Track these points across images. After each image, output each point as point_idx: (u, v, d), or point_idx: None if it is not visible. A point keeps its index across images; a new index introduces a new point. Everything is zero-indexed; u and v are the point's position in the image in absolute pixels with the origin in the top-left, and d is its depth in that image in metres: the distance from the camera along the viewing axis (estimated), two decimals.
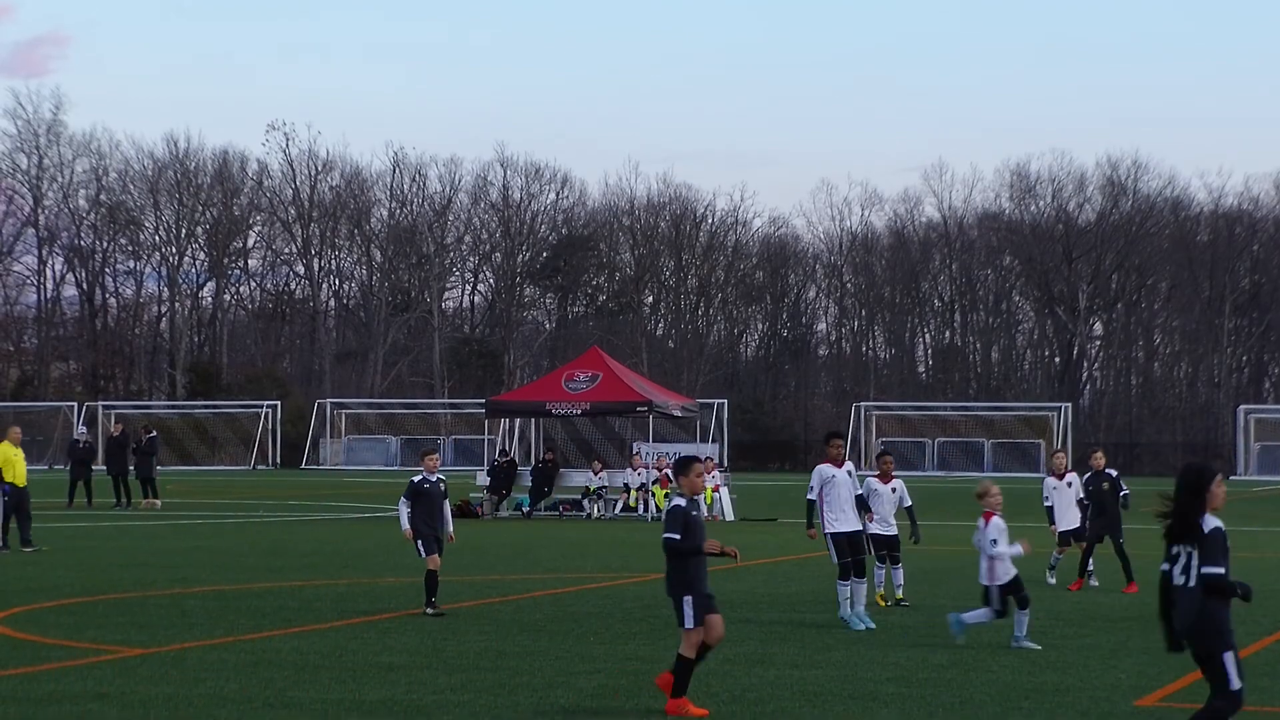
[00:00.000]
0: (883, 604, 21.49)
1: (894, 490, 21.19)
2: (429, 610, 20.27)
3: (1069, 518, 25.49)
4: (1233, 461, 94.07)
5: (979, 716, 13.71)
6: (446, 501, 21.02)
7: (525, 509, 45.72)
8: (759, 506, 49.74)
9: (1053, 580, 25.37)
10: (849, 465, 20.34)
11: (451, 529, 21.18)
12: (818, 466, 20.41)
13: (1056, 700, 14.45)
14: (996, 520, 17.85)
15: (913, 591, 23.96)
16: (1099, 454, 25.82)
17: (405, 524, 20.80)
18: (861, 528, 20.40)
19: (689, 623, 13.63)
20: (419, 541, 20.62)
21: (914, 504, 21.63)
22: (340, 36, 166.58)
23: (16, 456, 32.23)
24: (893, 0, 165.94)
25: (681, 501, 13.73)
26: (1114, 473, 25.55)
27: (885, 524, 21.24)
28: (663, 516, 13.87)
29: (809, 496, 20.25)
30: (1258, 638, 19.03)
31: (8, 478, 31.88)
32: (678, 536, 13.59)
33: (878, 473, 21.35)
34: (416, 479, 20.88)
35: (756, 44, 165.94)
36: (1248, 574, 27.60)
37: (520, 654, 16.97)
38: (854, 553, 19.84)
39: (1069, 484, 25.63)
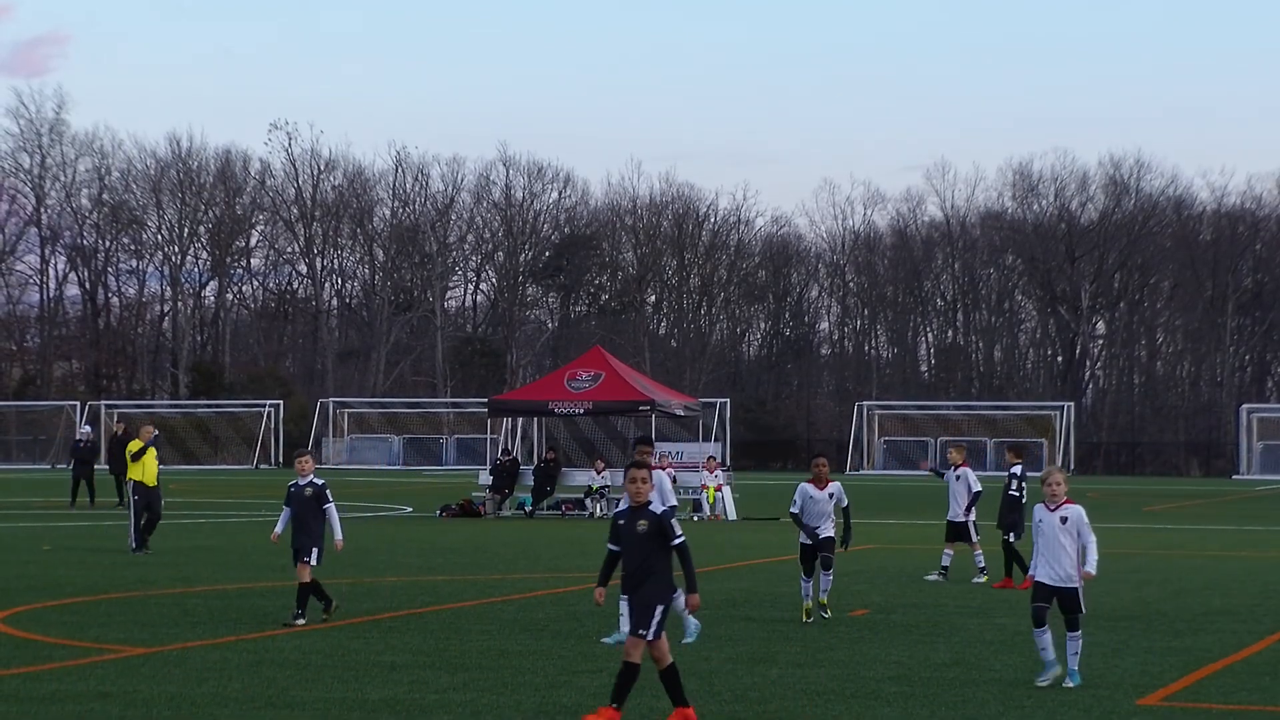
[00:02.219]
0: (807, 618, 19.94)
1: (830, 495, 20.48)
2: (295, 619, 19.13)
3: (951, 510, 26.00)
4: (1235, 461, 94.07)
5: (980, 715, 13.70)
6: (331, 506, 19.56)
7: (527, 508, 45.73)
8: (761, 506, 49.73)
9: (935, 577, 25.44)
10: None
11: (340, 535, 19.60)
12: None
13: (1058, 699, 14.43)
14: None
15: (916, 590, 23.96)
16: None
17: (277, 528, 19.90)
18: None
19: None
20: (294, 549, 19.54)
21: (850, 504, 21.07)
22: (342, 36, 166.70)
23: (149, 456, 31.65)
24: (895, 0, 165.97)
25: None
26: (1017, 471, 25.84)
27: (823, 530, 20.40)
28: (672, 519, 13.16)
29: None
30: (1259, 636, 19.00)
31: (133, 475, 31.11)
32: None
33: (811, 478, 20.55)
34: (291, 483, 19.81)
35: (759, 43, 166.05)
36: (1251, 573, 27.67)
37: (523, 653, 16.97)
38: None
39: (958, 477, 25.96)
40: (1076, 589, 15.16)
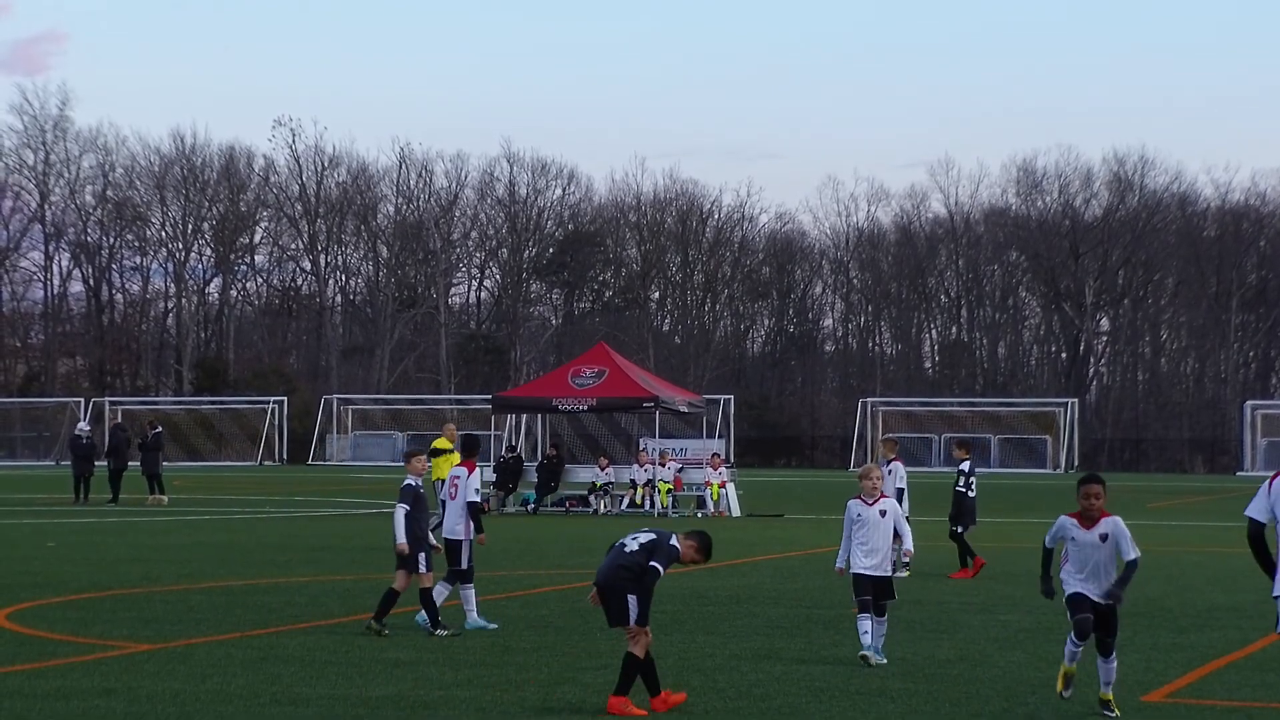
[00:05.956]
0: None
1: (1104, 538, 14.50)
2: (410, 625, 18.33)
3: None
4: (1239, 457, 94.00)
5: (985, 711, 13.69)
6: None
7: (531, 505, 45.73)
8: (765, 502, 49.75)
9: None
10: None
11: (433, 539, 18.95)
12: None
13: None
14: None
15: (919, 587, 23.94)
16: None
17: (402, 536, 18.08)
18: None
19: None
20: (421, 555, 18.20)
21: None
22: (346, 32, 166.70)
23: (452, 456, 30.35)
24: None
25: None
26: (966, 467, 26.44)
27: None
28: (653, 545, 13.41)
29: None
30: (1264, 633, 18.96)
31: (439, 475, 29.88)
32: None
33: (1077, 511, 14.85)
34: (413, 482, 18.38)
35: (763, 39, 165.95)
36: (1255, 570, 27.50)
37: (527, 650, 16.97)
38: None
39: (890, 471, 25.74)
40: (891, 578, 16.25)
